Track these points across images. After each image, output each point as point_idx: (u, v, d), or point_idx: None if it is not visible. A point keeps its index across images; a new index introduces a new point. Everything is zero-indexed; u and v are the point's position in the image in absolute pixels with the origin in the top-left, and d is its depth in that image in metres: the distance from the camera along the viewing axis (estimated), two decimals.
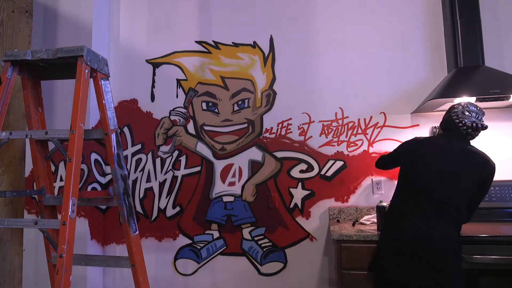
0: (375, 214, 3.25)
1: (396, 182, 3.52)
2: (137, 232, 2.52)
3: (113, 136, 2.46)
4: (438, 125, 3.01)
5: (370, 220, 3.31)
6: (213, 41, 3.99)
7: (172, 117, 3.98)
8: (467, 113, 2.70)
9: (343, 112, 3.73)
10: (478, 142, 3.43)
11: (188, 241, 3.85)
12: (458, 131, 2.73)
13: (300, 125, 3.77)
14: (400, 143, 3.06)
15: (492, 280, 2.70)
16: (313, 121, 3.76)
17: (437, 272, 2.52)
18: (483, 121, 2.70)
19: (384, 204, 3.01)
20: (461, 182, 2.64)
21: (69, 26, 3.88)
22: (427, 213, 2.63)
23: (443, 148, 2.74)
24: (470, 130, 2.68)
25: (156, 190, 3.94)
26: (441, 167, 2.67)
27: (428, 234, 2.57)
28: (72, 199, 2.07)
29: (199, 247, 3.83)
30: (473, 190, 2.65)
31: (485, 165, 2.66)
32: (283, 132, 3.79)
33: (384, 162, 3.23)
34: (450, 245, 2.55)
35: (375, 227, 3.15)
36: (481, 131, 2.72)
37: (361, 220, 3.29)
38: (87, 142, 3.60)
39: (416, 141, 2.91)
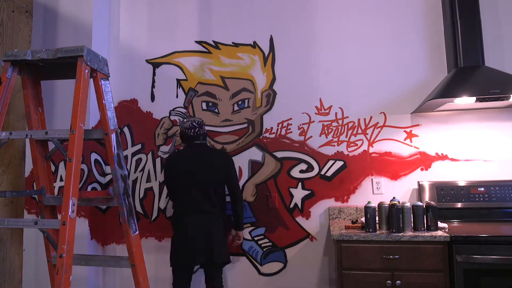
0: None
1: (394, 182, 3.54)
2: (137, 232, 2.52)
3: (113, 136, 2.46)
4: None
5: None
6: (213, 41, 3.99)
7: (172, 117, 3.98)
8: (185, 122, 3.40)
9: (343, 112, 3.73)
10: (479, 142, 3.44)
11: None
12: (189, 136, 3.37)
13: (300, 125, 3.77)
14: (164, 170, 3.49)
15: (492, 280, 2.70)
16: (313, 121, 3.76)
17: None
18: (196, 121, 3.40)
19: (373, 205, 2.99)
20: (211, 174, 3.31)
21: (69, 26, 3.88)
22: (200, 211, 3.27)
23: (188, 154, 3.39)
24: (192, 130, 3.36)
25: (156, 190, 3.94)
26: (193, 169, 3.31)
27: (202, 226, 3.23)
28: (72, 199, 2.07)
29: None
30: (223, 176, 3.36)
31: (225, 156, 3.46)
32: (283, 132, 3.79)
33: (171, 194, 3.55)
34: (215, 228, 3.26)
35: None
36: (202, 126, 3.43)
37: (361, 220, 3.29)
38: (87, 142, 3.60)
39: (169, 159, 3.48)
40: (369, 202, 3.03)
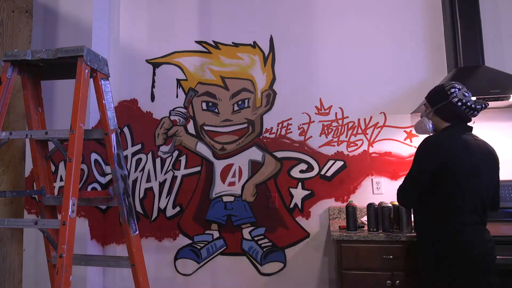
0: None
1: (394, 182, 3.53)
2: (137, 232, 2.52)
3: (113, 136, 2.46)
4: (427, 115, 2.69)
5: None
6: (213, 41, 3.99)
7: (172, 117, 3.97)
8: (467, 94, 2.47)
9: (343, 112, 3.73)
10: None
11: (188, 241, 3.85)
12: (465, 116, 2.49)
13: (300, 125, 3.77)
14: (419, 154, 2.57)
15: None
16: (313, 121, 3.76)
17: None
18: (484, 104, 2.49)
19: (374, 205, 3.01)
20: (491, 174, 2.51)
21: (69, 26, 3.87)
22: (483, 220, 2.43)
23: (469, 144, 2.47)
24: (476, 113, 2.47)
25: (156, 190, 3.94)
26: (477, 168, 2.44)
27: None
28: (72, 199, 2.07)
29: (199, 247, 3.83)
30: (497, 177, 2.56)
31: (494, 151, 2.61)
32: (283, 132, 3.79)
33: (412, 190, 2.63)
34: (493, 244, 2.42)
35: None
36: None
37: (361, 220, 3.29)
38: (87, 142, 3.60)
39: (438, 145, 2.46)
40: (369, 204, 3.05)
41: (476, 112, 2.45)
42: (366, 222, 3.07)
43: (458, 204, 2.37)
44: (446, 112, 2.52)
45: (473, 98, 2.49)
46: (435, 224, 2.45)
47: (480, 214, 2.40)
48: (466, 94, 2.45)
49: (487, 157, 2.48)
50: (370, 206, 3.03)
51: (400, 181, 3.56)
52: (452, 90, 2.47)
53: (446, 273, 2.37)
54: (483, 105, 2.44)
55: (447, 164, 2.38)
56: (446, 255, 2.37)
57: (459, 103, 2.44)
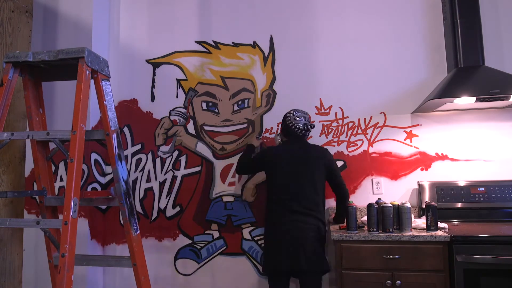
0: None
1: (394, 182, 3.55)
2: (138, 232, 2.53)
3: (114, 137, 2.47)
4: (280, 133, 3.44)
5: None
6: (213, 41, 3.99)
7: (172, 117, 3.98)
8: (297, 119, 3.22)
9: (343, 112, 3.74)
10: (479, 142, 3.45)
11: (188, 241, 3.85)
12: (295, 134, 3.21)
13: None
14: (261, 152, 3.35)
15: (492, 280, 2.70)
16: (313, 121, 3.76)
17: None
18: (309, 122, 3.26)
19: (374, 205, 3.02)
20: (314, 173, 3.10)
21: (69, 26, 3.87)
22: (294, 212, 3.01)
23: (292, 151, 3.17)
24: (303, 131, 3.21)
25: (156, 190, 3.94)
26: (295, 168, 3.11)
27: (299, 230, 2.97)
28: (74, 199, 2.08)
29: (199, 247, 3.83)
30: (325, 174, 3.15)
31: (325, 152, 3.21)
32: None
33: (247, 165, 3.42)
34: (315, 235, 2.99)
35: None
36: (310, 131, 3.26)
37: (361, 220, 3.29)
38: (88, 142, 3.60)
39: (272, 149, 3.27)
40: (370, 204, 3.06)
41: (304, 131, 3.21)
42: (366, 222, 3.07)
43: (273, 195, 3.14)
44: (284, 132, 3.32)
45: (302, 122, 3.20)
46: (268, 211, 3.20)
47: (290, 205, 3.04)
48: (297, 118, 3.22)
49: (306, 162, 3.12)
50: (370, 206, 3.04)
51: (400, 181, 3.58)
52: (288, 115, 3.28)
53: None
54: (309, 126, 3.23)
55: (269, 164, 3.21)
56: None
57: (290, 125, 3.22)
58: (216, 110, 3.92)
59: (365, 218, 3.13)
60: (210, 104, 3.94)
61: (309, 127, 3.22)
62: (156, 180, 3.96)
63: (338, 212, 3.27)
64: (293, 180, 3.08)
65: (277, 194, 3.11)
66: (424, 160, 3.57)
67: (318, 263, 2.94)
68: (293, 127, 3.19)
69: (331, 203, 3.66)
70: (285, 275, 3.04)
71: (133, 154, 4.01)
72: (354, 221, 3.05)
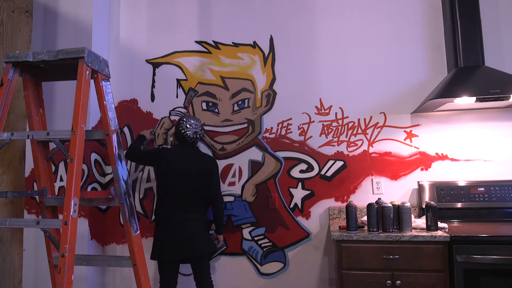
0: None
1: (394, 182, 3.55)
2: (138, 232, 2.52)
3: (114, 137, 2.46)
4: (173, 135, 3.74)
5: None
6: (213, 41, 3.99)
7: (172, 117, 3.98)
8: (189, 126, 3.45)
9: (343, 112, 3.74)
10: (479, 142, 3.45)
11: None
12: (185, 140, 3.45)
13: (300, 125, 3.78)
14: (158, 150, 3.59)
15: (492, 280, 2.70)
16: (313, 121, 3.76)
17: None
18: (200, 130, 3.51)
19: (374, 205, 3.02)
20: (197, 178, 3.38)
21: (69, 26, 3.87)
22: (180, 208, 3.31)
23: (180, 153, 3.45)
24: (193, 139, 3.46)
25: (156, 190, 3.94)
26: (181, 169, 3.37)
27: (185, 227, 3.28)
28: (74, 199, 2.07)
29: None
30: (206, 180, 3.42)
31: (211, 160, 3.52)
32: (283, 132, 3.80)
33: (138, 153, 3.64)
34: (198, 232, 3.32)
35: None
36: (200, 140, 3.62)
37: (361, 220, 3.29)
38: (88, 142, 3.61)
39: (167, 150, 3.52)
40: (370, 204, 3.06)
41: (194, 139, 3.48)
42: (366, 222, 3.07)
43: (163, 192, 3.40)
44: (176, 136, 3.55)
45: (193, 131, 3.45)
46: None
47: (177, 203, 3.33)
48: (189, 126, 3.46)
49: (194, 167, 3.40)
50: (370, 206, 3.04)
51: (400, 181, 3.58)
52: (181, 122, 3.49)
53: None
54: (199, 135, 3.50)
55: (162, 162, 3.43)
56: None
57: (182, 131, 3.45)
58: (216, 110, 3.92)
59: (365, 218, 3.13)
60: (210, 104, 3.94)
61: (198, 136, 3.50)
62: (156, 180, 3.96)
63: (214, 217, 3.57)
64: (182, 181, 3.34)
65: (167, 192, 3.36)
66: (424, 160, 3.57)
67: (205, 247, 3.35)
68: (184, 134, 3.45)
69: (330, 203, 3.67)
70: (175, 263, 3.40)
71: None
72: (354, 221, 3.05)
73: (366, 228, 3.09)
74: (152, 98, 4.04)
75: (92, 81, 2.45)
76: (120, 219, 3.95)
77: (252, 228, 3.77)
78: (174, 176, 3.36)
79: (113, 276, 3.93)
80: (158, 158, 3.46)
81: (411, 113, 3.62)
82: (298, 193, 3.74)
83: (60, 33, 3.89)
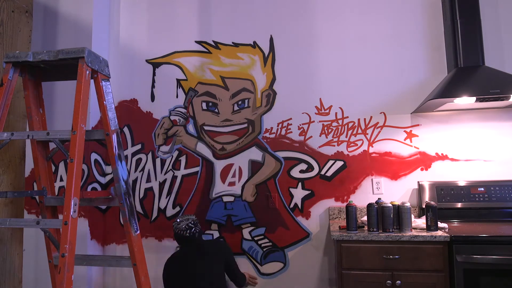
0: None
1: (394, 182, 3.55)
2: (138, 232, 2.52)
3: (114, 137, 2.46)
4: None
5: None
6: (213, 41, 3.99)
7: (172, 117, 3.98)
8: (180, 223, 3.16)
9: (343, 112, 3.74)
10: (479, 142, 3.45)
11: None
12: (184, 237, 3.15)
13: (300, 125, 3.78)
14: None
15: (492, 280, 2.70)
16: (313, 121, 3.76)
17: None
18: (191, 221, 3.18)
19: (374, 205, 3.02)
20: (212, 269, 3.07)
21: (69, 26, 3.87)
22: None
23: (186, 256, 3.14)
24: (188, 231, 3.14)
25: (156, 190, 3.94)
26: (192, 271, 3.05)
27: None
28: (74, 199, 2.07)
29: None
30: (223, 267, 3.15)
31: (221, 245, 3.26)
32: (283, 132, 3.80)
33: None
34: None
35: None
36: (198, 224, 3.21)
37: (361, 220, 3.29)
38: (88, 142, 3.61)
39: (166, 265, 3.21)
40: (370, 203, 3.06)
41: (189, 230, 3.14)
42: (366, 222, 3.07)
43: None
44: (177, 240, 3.22)
45: (184, 224, 3.15)
46: None
47: None
48: (179, 222, 3.17)
49: (202, 260, 3.09)
50: (370, 206, 3.04)
51: (400, 181, 3.58)
52: (173, 226, 3.23)
53: None
54: (191, 223, 3.17)
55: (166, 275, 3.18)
56: None
57: (176, 231, 3.15)
58: (216, 110, 3.92)
59: (365, 218, 3.13)
60: (210, 104, 3.93)
61: (191, 224, 3.18)
62: (156, 180, 3.96)
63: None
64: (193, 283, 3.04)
65: None
66: (424, 160, 3.57)
67: None
68: (178, 232, 3.16)
69: (330, 203, 3.67)
70: None
71: (133, 154, 4.01)
72: (354, 221, 3.05)
73: (366, 228, 3.09)
74: (152, 98, 4.05)
75: (92, 81, 2.45)
76: (120, 219, 3.95)
77: (252, 228, 3.77)
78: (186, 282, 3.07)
79: (113, 276, 3.93)
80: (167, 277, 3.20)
81: (411, 113, 3.62)
82: (298, 193, 3.74)
83: (60, 33, 3.89)
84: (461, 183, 3.40)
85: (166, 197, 3.93)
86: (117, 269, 3.93)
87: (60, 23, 3.90)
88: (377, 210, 3.02)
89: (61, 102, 3.82)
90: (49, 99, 3.80)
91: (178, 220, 3.21)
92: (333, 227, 3.25)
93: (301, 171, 3.75)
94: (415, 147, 3.59)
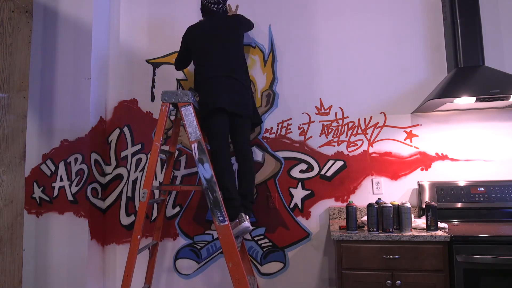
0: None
1: (394, 182, 3.54)
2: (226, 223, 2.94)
3: (195, 146, 3.01)
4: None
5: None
6: None
7: (172, 117, 3.97)
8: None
9: (343, 112, 3.74)
10: (479, 142, 3.45)
11: (188, 241, 3.85)
12: (211, 10, 3.46)
13: (300, 125, 3.78)
14: (183, 40, 3.55)
15: (492, 280, 2.70)
16: (313, 121, 3.76)
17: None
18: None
19: (375, 205, 3.02)
20: (237, 41, 3.43)
21: (69, 26, 3.87)
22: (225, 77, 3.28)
23: (210, 26, 3.43)
24: (217, 5, 3.45)
25: (156, 190, 3.94)
26: (218, 41, 3.35)
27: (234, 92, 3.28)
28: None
29: (199, 247, 3.83)
30: (241, 34, 3.50)
31: (239, 18, 3.58)
32: (283, 132, 3.80)
33: (179, 61, 3.68)
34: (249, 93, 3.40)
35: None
36: (225, 3, 3.53)
37: (361, 220, 3.29)
38: (87, 142, 3.63)
39: (191, 30, 3.50)
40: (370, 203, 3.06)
41: (217, 5, 3.46)
42: (366, 222, 3.07)
43: (201, 68, 3.41)
44: (202, 11, 3.59)
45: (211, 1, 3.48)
46: None
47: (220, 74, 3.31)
48: None
49: (226, 32, 3.44)
50: (370, 206, 3.03)
51: (400, 181, 3.58)
52: None
53: None
54: (213, 9, 3.47)
55: (193, 45, 3.47)
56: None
57: (204, 2, 3.49)
58: None
59: (365, 218, 3.13)
60: None
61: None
62: (156, 180, 3.96)
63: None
64: (218, 51, 3.33)
65: (206, 67, 3.35)
66: (424, 160, 3.57)
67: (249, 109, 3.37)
68: (206, 3, 3.46)
69: (330, 203, 3.67)
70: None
71: (133, 154, 4.01)
72: (354, 221, 3.05)
73: (366, 228, 3.09)
74: (152, 98, 4.04)
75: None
76: (120, 219, 3.94)
77: (252, 228, 3.76)
78: (211, 50, 3.36)
79: (113, 280, 3.93)
80: (187, 44, 3.51)
81: (411, 113, 3.62)
82: (298, 193, 3.74)
83: (60, 33, 3.89)
84: (461, 183, 3.40)
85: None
86: (117, 271, 3.91)
87: (60, 23, 3.90)
88: (377, 210, 3.02)
89: (61, 102, 3.82)
90: (49, 99, 3.81)
91: None
92: (333, 227, 3.25)
93: (301, 171, 3.74)
94: (415, 147, 3.59)
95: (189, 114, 3.06)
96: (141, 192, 3.05)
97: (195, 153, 3.00)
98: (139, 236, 2.97)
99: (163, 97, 3.09)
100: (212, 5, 3.45)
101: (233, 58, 3.35)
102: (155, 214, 3.93)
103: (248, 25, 3.66)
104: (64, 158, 3.79)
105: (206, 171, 3.01)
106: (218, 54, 3.32)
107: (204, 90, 3.30)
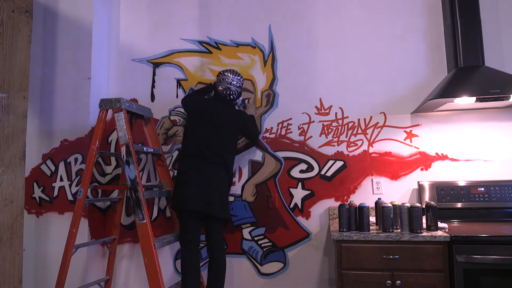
0: (374, 214, 3.25)
1: (394, 182, 3.54)
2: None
3: (123, 149, 3.11)
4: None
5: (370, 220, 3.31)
6: (214, 41, 3.99)
7: (172, 117, 3.98)
8: (222, 80, 3.51)
9: (343, 112, 3.74)
10: (479, 142, 3.45)
11: None
12: (224, 96, 3.51)
13: (300, 125, 3.78)
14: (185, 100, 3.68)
15: (492, 280, 2.70)
16: (313, 121, 3.76)
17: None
18: (236, 88, 3.52)
19: (370, 205, 3.01)
20: (226, 131, 3.44)
21: (69, 26, 3.88)
22: (205, 162, 3.34)
23: (212, 106, 3.52)
24: (231, 97, 3.52)
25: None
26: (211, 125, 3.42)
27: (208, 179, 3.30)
28: None
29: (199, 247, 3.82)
30: (237, 132, 3.54)
31: (241, 114, 3.60)
32: (283, 132, 3.80)
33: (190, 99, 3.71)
34: (221, 184, 3.35)
35: (374, 226, 3.17)
36: (239, 96, 3.61)
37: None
38: (87, 142, 3.62)
39: (199, 100, 3.65)
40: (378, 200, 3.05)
41: (225, 93, 3.51)
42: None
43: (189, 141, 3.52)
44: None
45: (226, 85, 3.51)
46: None
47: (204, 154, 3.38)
48: (222, 79, 3.51)
49: (226, 117, 3.49)
50: (342, 206, 3.03)
51: (400, 181, 3.58)
52: (219, 73, 3.57)
53: None
54: (230, 92, 3.51)
55: (196, 112, 3.58)
56: None
57: (219, 87, 3.55)
58: None
59: (373, 218, 3.13)
60: None
61: (230, 92, 3.51)
62: (156, 180, 3.95)
63: None
64: (209, 132, 3.41)
65: (192, 140, 3.46)
66: (424, 160, 3.57)
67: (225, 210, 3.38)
68: (223, 90, 3.50)
69: (330, 203, 3.67)
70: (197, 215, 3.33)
71: None
72: (347, 221, 3.03)
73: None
74: (152, 98, 4.04)
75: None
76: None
77: (252, 228, 3.77)
78: (206, 128, 3.44)
79: (113, 278, 3.92)
80: (195, 109, 3.59)
81: (411, 113, 3.62)
82: (298, 193, 3.74)
83: (60, 33, 3.90)
84: (461, 183, 3.40)
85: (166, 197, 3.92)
86: (116, 270, 3.91)
87: (60, 23, 3.90)
88: (349, 211, 3.02)
89: (61, 101, 3.82)
90: (49, 99, 3.81)
91: (227, 78, 3.51)
92: (333, 227, 3.25)
93: (301, 171, 3.74)
94: (415, 147, 3.59)
95: (120, 119, 3.25)
96: (78, 190, 3.23)
97: (123, 155, 3.19)
98: (74, 230, 3.20)
99: (100, 104, 3.31)
100: (228, 96, 3.52)
101: (220, 142, 3.42)
102: (155, 214, 3.92)
103: (251, 131, 3.67)
104: (64, 158, 3.79)
105: (131, 171, 3.19)
106: (208, 134, 3.41)
107: (177, 186, 3.39)
